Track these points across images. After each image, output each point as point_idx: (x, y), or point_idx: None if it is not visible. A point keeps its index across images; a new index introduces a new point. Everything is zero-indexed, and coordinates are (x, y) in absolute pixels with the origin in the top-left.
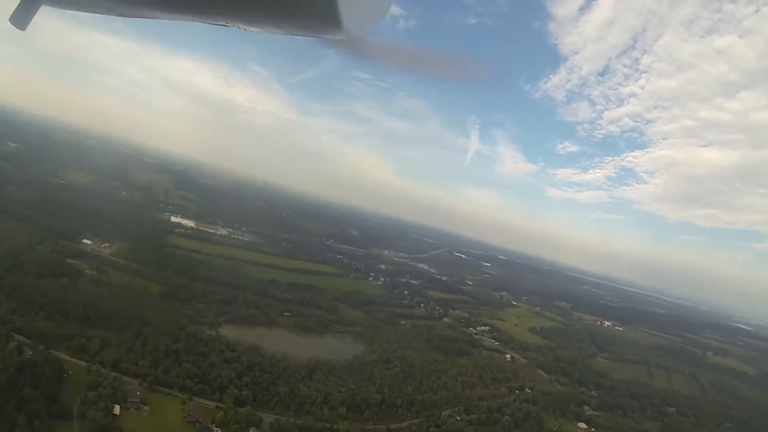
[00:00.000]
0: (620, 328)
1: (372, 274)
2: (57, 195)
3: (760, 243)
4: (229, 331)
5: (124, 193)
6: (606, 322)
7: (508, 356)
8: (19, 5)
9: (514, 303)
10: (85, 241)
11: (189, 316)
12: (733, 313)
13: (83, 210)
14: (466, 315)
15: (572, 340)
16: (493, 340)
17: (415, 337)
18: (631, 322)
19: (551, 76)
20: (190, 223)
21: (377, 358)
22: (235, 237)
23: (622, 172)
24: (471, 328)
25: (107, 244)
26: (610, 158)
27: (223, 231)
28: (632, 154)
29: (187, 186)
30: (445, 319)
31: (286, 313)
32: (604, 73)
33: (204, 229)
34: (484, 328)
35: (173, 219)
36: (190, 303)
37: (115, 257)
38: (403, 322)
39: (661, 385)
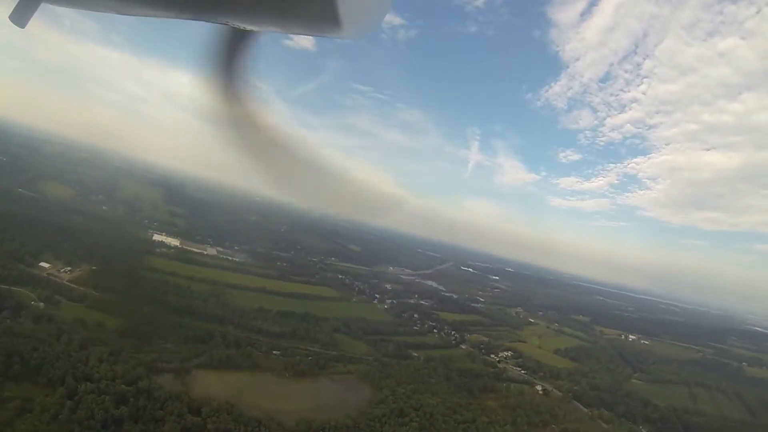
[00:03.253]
0: (647, 342)
1: (377, 295)
2: (23, 210)
3: (763, 244)
4: (200, 380)
5: (105, 207)
6: (630, 336)
7: (539, 388)
8: (18, 2)
9: (532, 320)
10: (42, 264)
11: (147, 363)
12: (745, 315)
13: (49, 227)
14: (485, 339)
15: (602, 361)
16: (519, 369)
17: (431, 374)
18: (655, 334)
19: (552, 84)
20: (174, 242)
21: (388, 409)
22: (224, 257)
23: (625, 179)
24: (492, 355)
25: (68, 268)
26: (613, 165)
27: (211, 250)
28: (634, 160)
29: (179, 200)
30: (462, 346)
31: (274, 352)
32: (605, 79)
33: (189, 248)
34: (506, 353)
35: (156, 237)
36: (155, 342)
37: (73, 283)
38: (415, 354)
39: (709, 409)
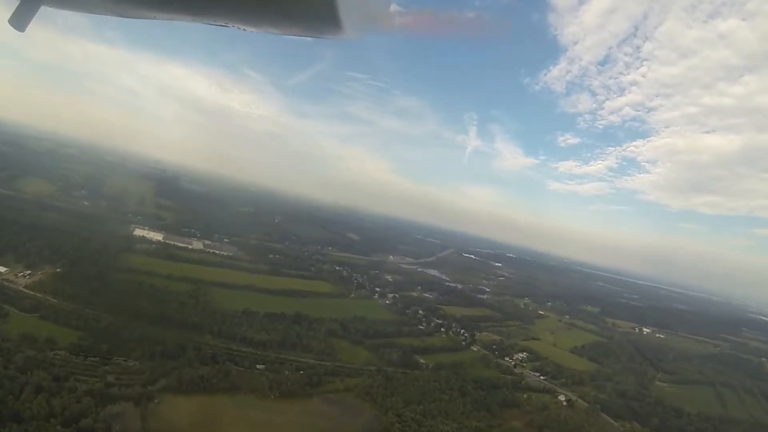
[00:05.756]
0: (661, 336)
1: (377, 289)
2: None
3: (762, 229)
4: (163, 410)
5: (86, 203)
6: (645, 329)
7: (562, 398)
8: (18, 6)
9: (541, 312)
10: None
11: (99, 390)
12: (745, 302)
13: (16, 226)
14: (497, 338)
15: (621, 360)
16: (537, 374)
17: (443, 387)
18: (668, 326)
19: (551, 68)
20: (157, 236)
21: None
22: (211, 251)
23: (624, 163)
24: (507, 358)
25: (29, 272)
26: (612, 149)
27: (197, 244)
28: (634, 143)
29: (169, 193)
30: (473, 348)
31: (259, 366)
32: (604, 62)
33: (173, 242)
34: (521, 355)
35: (137, 232)
36: (114, 360)
37: (31, 290)
38: (422, 361)
39: (740, 414)
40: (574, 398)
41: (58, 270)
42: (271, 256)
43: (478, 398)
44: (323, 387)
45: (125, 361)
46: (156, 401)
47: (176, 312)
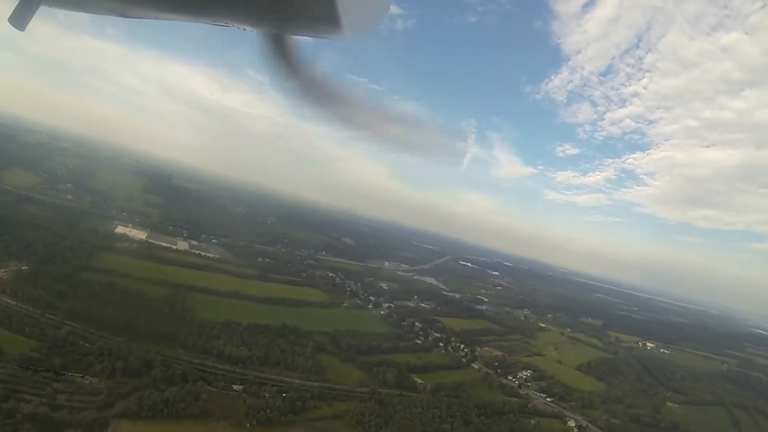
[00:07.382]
0: (666, 351)
1: (372, 298)
2: None
3: (759, 243)
4: None
5: (70, 197)
6: (648, 344)
7: (572, 423)
8: (18, 5)
9: (542, 325)
10: None
11: (41, 415)
12: (743, 316)
13: None
14: (498, 354)
15: (629, 378)
16: (543, 395)
17: (443, 415)
18: (672, 341)
19: (552, 77)
20: (140, 235)
21: None
22: (197, 252)
23: (623, 174)
24: (510, 377)
25: None
26: (611, 160)
27: (182, 244)
28: (633, 155)
29: (160, 190)
30: (474, 365)
31: (235, 387)
32: (606, 72)
33: (157, 242)
34: (525, 373)
35: (119, 229)
36: (69, 377)
37: None
38: (420, 381)
39: None
40: (585, 424)
41: (24, 268)
42: (260, 259)
43: (482, 427)
44: (308, 413)
45: (81, 377)
46: (109, 430)
47: (148, 321)
